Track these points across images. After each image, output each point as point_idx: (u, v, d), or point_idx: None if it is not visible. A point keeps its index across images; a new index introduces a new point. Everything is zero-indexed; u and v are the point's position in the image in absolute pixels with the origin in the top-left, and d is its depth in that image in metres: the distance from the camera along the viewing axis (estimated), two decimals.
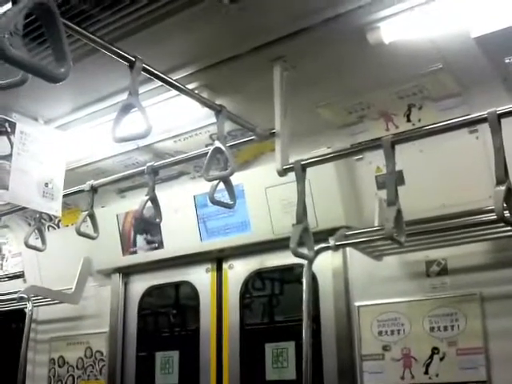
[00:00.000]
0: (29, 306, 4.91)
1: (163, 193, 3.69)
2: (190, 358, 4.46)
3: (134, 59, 2.47)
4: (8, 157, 3.04)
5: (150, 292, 4.86)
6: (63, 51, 1.82)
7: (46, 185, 3.20)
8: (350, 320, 3.68)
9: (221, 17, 2.57)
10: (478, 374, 3.18)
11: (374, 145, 2.94)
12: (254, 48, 2.85)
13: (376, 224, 3.41)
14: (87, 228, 3.72)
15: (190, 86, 3.01)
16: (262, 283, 4.47)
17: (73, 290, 4.90)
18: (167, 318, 5.11)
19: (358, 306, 3.65)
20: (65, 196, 3.42)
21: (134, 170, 3.79)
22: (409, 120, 3.36)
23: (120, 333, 4.82)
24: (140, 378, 4.73)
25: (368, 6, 2.54)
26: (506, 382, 3.12)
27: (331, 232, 3.46)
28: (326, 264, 3.77)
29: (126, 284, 4.91)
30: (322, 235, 3.46)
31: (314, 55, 2.92)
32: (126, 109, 2.44)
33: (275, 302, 4.47)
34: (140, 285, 4.86)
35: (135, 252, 4.62)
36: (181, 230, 4.34)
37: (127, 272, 4.89)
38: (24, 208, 3.70)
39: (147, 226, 4.44)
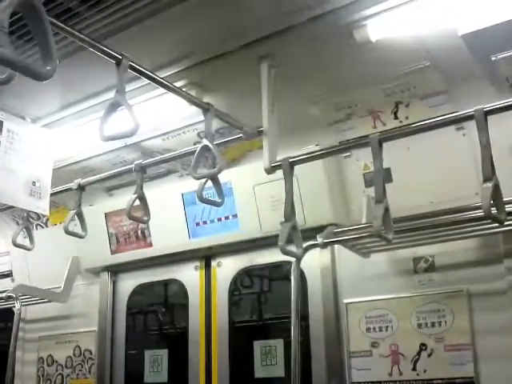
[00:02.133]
0: (17, 305, 4.87)
1: (151, 191, 3.68)
2: (179, 355, 4.45)
3: (120, 57, 2.46)
4: None
5: (139, 290, 4.84)
6: (49, 49, 1.81)
7: (34, 183, 3.19)
8: (338, 317, 3.69)
9: (208, 14, 2.57)
10: (466, 370, 3.19)
11: (361, 142, 2.94)
12: (242, 46, 2.86)
13: (364, 221, 3.42)
14: (75, 227, 3.71)
15: (178, 84, 3.00)
16: (250, 281, 4.47)
17: (61, 288, 4.88)
18: (156, 316, 5.10)
19: (347, 303, 3.66)
20: (52, 195, 3.40)
21: (122, 168, 3.78)
22: (396, 117, 3.37)
23: (109, 331, 4.81)
24: (129, 376, 4.72)
25: (355, 4, 2.55)
26: (494, 377, 3.13)
27: (319, 229, 3.46)
28: (314, 261, 3.77)
29: (114, 282, 4.89)
30: (310, 233, 3.46)
31: (301, 53, 2.92)
32: (113, 107, 2.43)
33: (264, 299, 4.47)
34: (128, 283, 4.85)
35: None
36: (169, 228, 4.34)
37: (115, 270, 4.88)
38: (11, 207, 3.68)
39: None
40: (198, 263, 4.48)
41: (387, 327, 3.50)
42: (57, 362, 5.12)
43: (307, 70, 3.07)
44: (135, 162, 3.46)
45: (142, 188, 3.35)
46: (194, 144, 3.65)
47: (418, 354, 3.37)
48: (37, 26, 1.82)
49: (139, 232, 4.55)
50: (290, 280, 3.51)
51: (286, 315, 3.65)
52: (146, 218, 3.39)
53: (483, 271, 3.24)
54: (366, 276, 3.60)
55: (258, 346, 4.10)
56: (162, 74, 2.87)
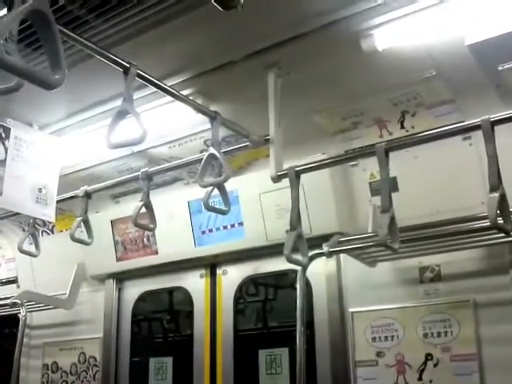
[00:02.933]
0: (22, 311, 4.89)
1: (157, 198, 3.69)
2: (184, 363, 4.44)
3: (128, 65, 2.48)
4: (2, 162, 3.04)
5: (144, 298, 4.84)
6: (58, 57, 1.81)
7: (40, 190, 3.20)
8: (343, 326, 3.68)
9: (215, 23, 2.58)
10: (472, 381, 3.18)
11: (367, 152, 2.95)
12: (249, 54, 2.86)
13: (370, 230, 3.42)
14: (81, 234, 3.72)
15: (185, 92, 3.01)
16: (255, 289, 4.47)
17: (67, 295, 4.88)
18: (161, 323, 5.10)
19: (352, 312, 3.65)
20: (59, 202, 3.42)
21: (129, 176, 3.79)
22: (402, 127, 3.37)
23: (114, 338, 4.81)
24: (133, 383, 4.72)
25: (362, 14, 2.55)
26: None
27: (325, 238, 3.46)
28: (319, 270, 3.76)
29: (119, 289, 4.90)
30: (316, 241, 3.45)
31: (308, 62, 2.93)
32: (120, 115, 2.44)
33: (269, 307, 4.47)
34: (134, 290, 4.85)
35: None
36: (175, 236, 4.34)
37: (121, 278, 4.88)
38: (18, 213, 3.68)
39: None
40: (203, 271, 4.47)
41: (393, 337, 3.49)
42: (61, 368, 5.12)
43: (314, 78, 3.07)
44: (142, 170, 3.47)
45: (148, 196, 3.36)
46: (201, 152, 3.66)
47: (424, 363, 3.35)
48: (46, 34, 1.82)
49: (145, 239, 4.55)
50: (295, 288, 3.51)
51: (291, 324, 3.65)
52: (152, 226, 3.39)
53: (489, 281, 3.23)
54: (372, 285, 3.59)
55: (262, 354, 4.09)
56: (170, 83, 2.88)
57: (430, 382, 3.31)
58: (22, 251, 4.01)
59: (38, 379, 5.23)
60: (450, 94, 3.12)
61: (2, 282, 5.59)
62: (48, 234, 5.18)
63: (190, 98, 3.03)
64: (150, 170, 3.48)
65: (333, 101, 3.32)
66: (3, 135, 3.07)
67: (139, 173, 3.47)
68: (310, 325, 3.74)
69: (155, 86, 2.71)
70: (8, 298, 4.96)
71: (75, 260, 4.88)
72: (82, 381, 4.95)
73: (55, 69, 1.81)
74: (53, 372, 5.17)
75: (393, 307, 3.51)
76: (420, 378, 3.34)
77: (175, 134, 3.72)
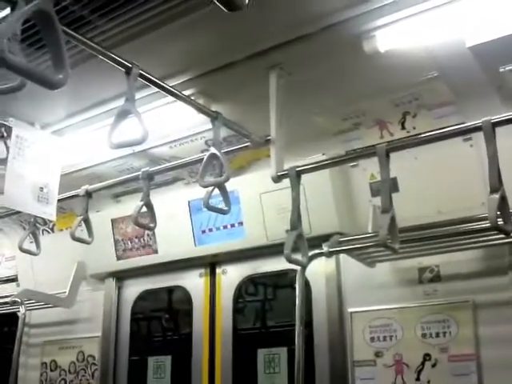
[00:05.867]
0: (22, 309, 4.89)
1: (158, 198, 3.69)
2: (183, 362, 4.45)
3: (130, 65, 2.49)
4: (4, 161, 3.04)
5: (144, 297, 4.85)
6: (61, 57, 1.82)
7: (41, 189, 3.21)
8: (342, 326, 3.68)
9: (218, 24, 2.58)
10: (470, 381, 3.18)
11: (368, 152, 2.95)
12: (251, 55, 2.87)
13: (370, 230, 3.42)
14: (82, 233, 3.72)
15: (187, 93, 3.02)
16: (255, 288, 4.47)
17: (66, 294, 4.88)
18: (160, 322, 5.10)
19: (351, 312, 3.65)
20: (60, 200, 3.42)
21: (130, 176, 3.80)
22: (403, 128, 3.38)
23: (113, 337, 4.81)
24: (132, 382, 4.71)
25: (364, 15, 2.56)
26: None
27: (325, 238, 3.47)
28: (319, 270, 3.77)
29: (119, 288, 4.90)
30: (316, 241, 3.46)
31: (310, 63, 2.93)
32: (122, 115, 2.45)
33: (268, 307, 4.47)
34: (133, 289, 4.86)
35: None
36: (175, 235, 4.35)
37: (121, 276, 4.89)
38: (19, 212, 3.69)
39: None
40: (202, 270, 4.48)
41: (391, 337, 3.49)
42: (60, 367, 5.13)
43: (316, 79, 3.07)
44: (142, 170, 3.48)
45: (148, 195, 3.36)
46: (202, 152, 3.66)
47: (422, 364, 3.36)
48: (50, 34, 1.82)
49: (145, 238, 4.56)
50: (294, 288, 3.52)
51: (290, 323, 3.66)
52: (152, 225, 3.40)
53: (489, 282, 3.23)
54: (371, 285, 3.60)
55: (261, 353, 4.09)
56: (171, 83, 2.88)
57: (428, 382, 3.32)
58: (22, 250, 4.00)
59: (37, 377, 5.23)
60: (451, 96, 3.12)
61: (2, 281, 5.59)
62: (48, 232, 5.19)
63: (192, 98, 3.04)
64: (151, 169, 3.49)
65: (334, 102, 3.33)
66: (5, 134, 3.07)
67: (140, 172, 3.48)
68: (308, 324, 3.73)
69: (157, 86, 2.72)
70: (8, 296, 4.97)
71: (75, 259, 4.88)
72: (81, 379, 4.95)
73: (58, 69, 1.81)
74: (51, 370, 5.17)
75: (392, 307, 3.51)
76: (418, 379, 3.35)
77: (176, 134, 3.72)
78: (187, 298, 4.54)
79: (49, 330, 5.23)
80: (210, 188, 3.00)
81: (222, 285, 4.39)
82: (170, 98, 2.96)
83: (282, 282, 4.36)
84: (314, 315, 3.84)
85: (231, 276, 4.36)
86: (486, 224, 2.67)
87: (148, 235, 4.52)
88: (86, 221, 3.67)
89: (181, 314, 4.90)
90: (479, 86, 2.96)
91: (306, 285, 3.66)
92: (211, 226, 4.20)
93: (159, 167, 3.59)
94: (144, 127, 2.39)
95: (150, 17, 2.52)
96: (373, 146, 2.85)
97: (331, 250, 3.36)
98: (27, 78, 1.80)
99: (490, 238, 3.01)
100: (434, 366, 3.32)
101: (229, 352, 4.22)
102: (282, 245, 2.79)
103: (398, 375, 3.42)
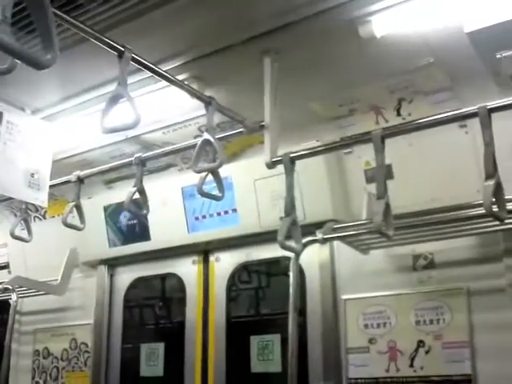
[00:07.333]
0: (13, 297, 4.87)
1: (151, 184, 3.66)
2: (176, 350, 4.45)
3: (123, 49, 2.45)
4: None
5: (136, 284, 4.84)
6: (50, 38, 1.78)
7: (33, 175, 3.18)
8: (336, 313, 3.69)
9: (211, 8, 2.55)
10: (463, 368, 3.20)
11: (363, 138, 2.92)
12: (245, 40, 2.83)
13: (364, 217, 3.41)
14: (73, 219, 3.69)
15: (180, 77, 2.98)
16: (248, 276, 4.47)
17: (58, 281, 4.86)
18: (153, 310, 5.09)
19: (345, 299, 3.66)
20: (51, 187, 3.38)
21: (122, 161, 3.75)
22: (399, 114, 3.37)
23: (105, 324, 4.80)
24: (125, 369, 4.72)
25: (360, 0, 2.53)
26: (491, 375, 3.13)
27: (319, 225, 3.46)
28: (313, 257, 3.77)
29: (111, 276, 4.89)
30: (310, 228, 3.46)
31: (304, 48, 2.90)
32: (114, 99, 2.42)
33: (262, 294, 4.47)
34: (126, 276, 4.85)
35: None
36: (168, 222, 4.33)
37: (113, 264, 4.87)
38: (10, 198, 3.65)
39: None
40: (196, 257, 4.47)
41: (385, 324, 3.50)
42: (52, 354, 5.12)
43: (310, 65, 3.05)
44: (135, 155, 3.44)
45: (141, 181, 3.33)
46: (195, 138, 3.64)
47: (416, 350, 3.37)
48: (39, 15, 1.78)
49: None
50: (288, 275, 3.51)
51: (283, 310, 3.65)
52: (144, 212, 3.38)
53: (483, 269, 3.24)
54: (365, 272, 3.60)
55: (254, 340, 4.10)
56: (164, 67, 2.84)
57: (422, 368, 3.33)
58: (13, 237, 3.97)
59: (29, 365, 5.23)
60: (447, 82, 3.11)
61: None
62: (40, 219, 5.16)
63: (185, 83, 3.00)
64: (144, 155, 3.45)
65: (329, 87, 3.30)
66: None
67: (132, 158, 3.45)
68: (302, 312, 3.74)
69: (150, 70, 2.68)
70: None
71: (67, 246, 4.86)
72: (73, 366, 4.95)
73: (47, 49, 1.77)
74: (44, 358, 5.17)
75: (386, 294, 3.52)
76: (411, 365, 3.37)
77: (169, 120, 3.69)
78: (180, 286, 4.53)
79: (41, 318, 5.21)
80: (204, 174, 2.97)
81: (215, 272, 4.39)
82: (163, 83, 2.93)
83: (275, 269, 4.36)
84: (308, 302, 3.84)
85: (225, 263, 4.35)
86: (480, 211, 2.66)
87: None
88: (78, 207, 3.64)
89: (174, 301, 4.90)
90: (476, 72, 2.95)
91: (300, 272, 3.65)
92: (204, 213, 4.18)
93: (152, 153, 3.55)
94: (136, 111, 2.36)
95: (143, 0, 2.49)
96: (368, 132, 2.82)
97: (325, 236, 3.36)
98: (15, 57, 1.76)
99: (485, 224, 3.01)
100: (427, 352, 3.33)
101: (222, 339, 4.22)
102: (275, 232, 2.76)
103: (391, 362, 3.43)
